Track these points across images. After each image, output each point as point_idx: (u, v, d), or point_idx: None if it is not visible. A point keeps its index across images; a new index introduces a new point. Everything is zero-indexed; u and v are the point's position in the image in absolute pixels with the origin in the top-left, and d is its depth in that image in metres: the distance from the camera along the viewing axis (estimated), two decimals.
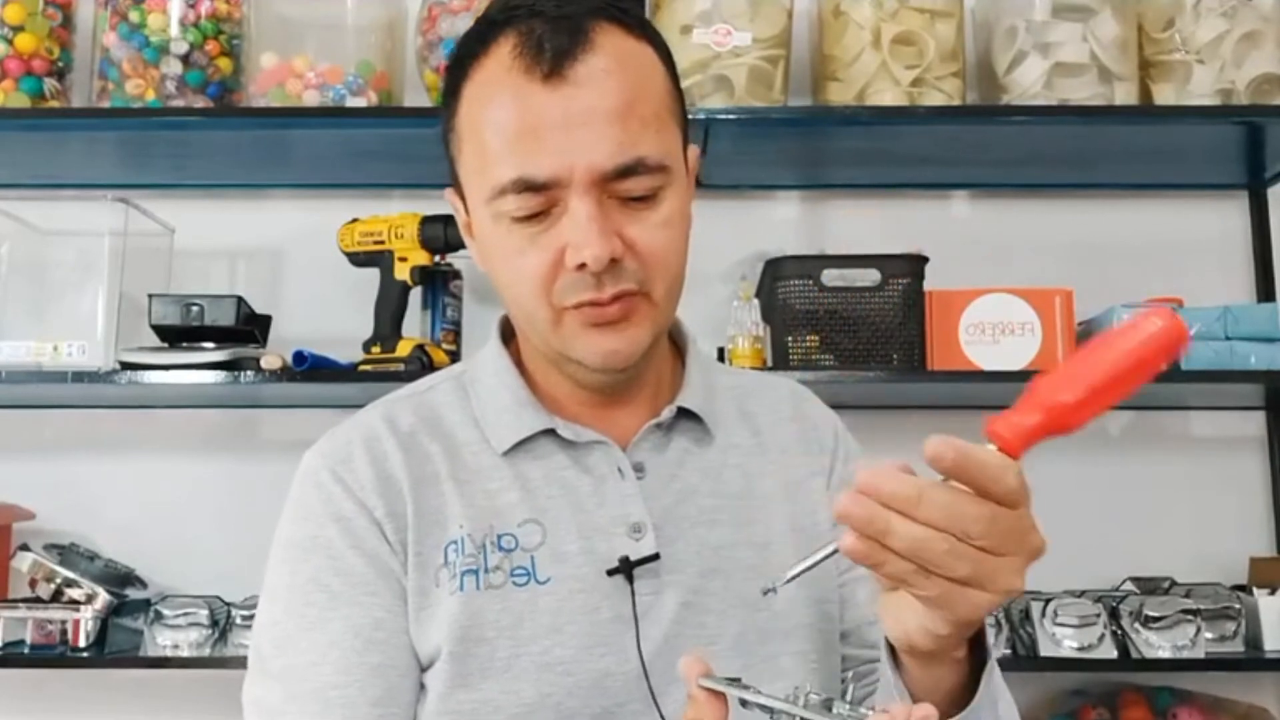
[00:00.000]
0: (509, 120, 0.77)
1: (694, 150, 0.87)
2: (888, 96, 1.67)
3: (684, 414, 0.88)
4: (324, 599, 0.80)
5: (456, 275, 1.79)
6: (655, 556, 0.81)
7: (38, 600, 1.66)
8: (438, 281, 1.76)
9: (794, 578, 0.66)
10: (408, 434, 0.86)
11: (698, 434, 0.89)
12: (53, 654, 1.62)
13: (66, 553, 1.68)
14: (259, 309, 1.71)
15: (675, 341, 0.95)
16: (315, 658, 0.79)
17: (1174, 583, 1.70)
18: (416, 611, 0.80)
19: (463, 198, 0.85)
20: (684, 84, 0.88)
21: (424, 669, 0.81)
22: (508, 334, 0.92)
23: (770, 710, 0.63)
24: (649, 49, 0.82)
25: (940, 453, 0.59)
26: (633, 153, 0.76)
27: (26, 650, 1.62)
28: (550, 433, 0.85)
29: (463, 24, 1.69)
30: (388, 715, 0.78)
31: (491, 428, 0.86)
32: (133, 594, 1.71)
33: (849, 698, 0.63)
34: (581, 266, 0.76)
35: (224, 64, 1.73)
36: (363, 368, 1.65)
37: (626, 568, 0.80)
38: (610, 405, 0.87)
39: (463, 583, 0.80)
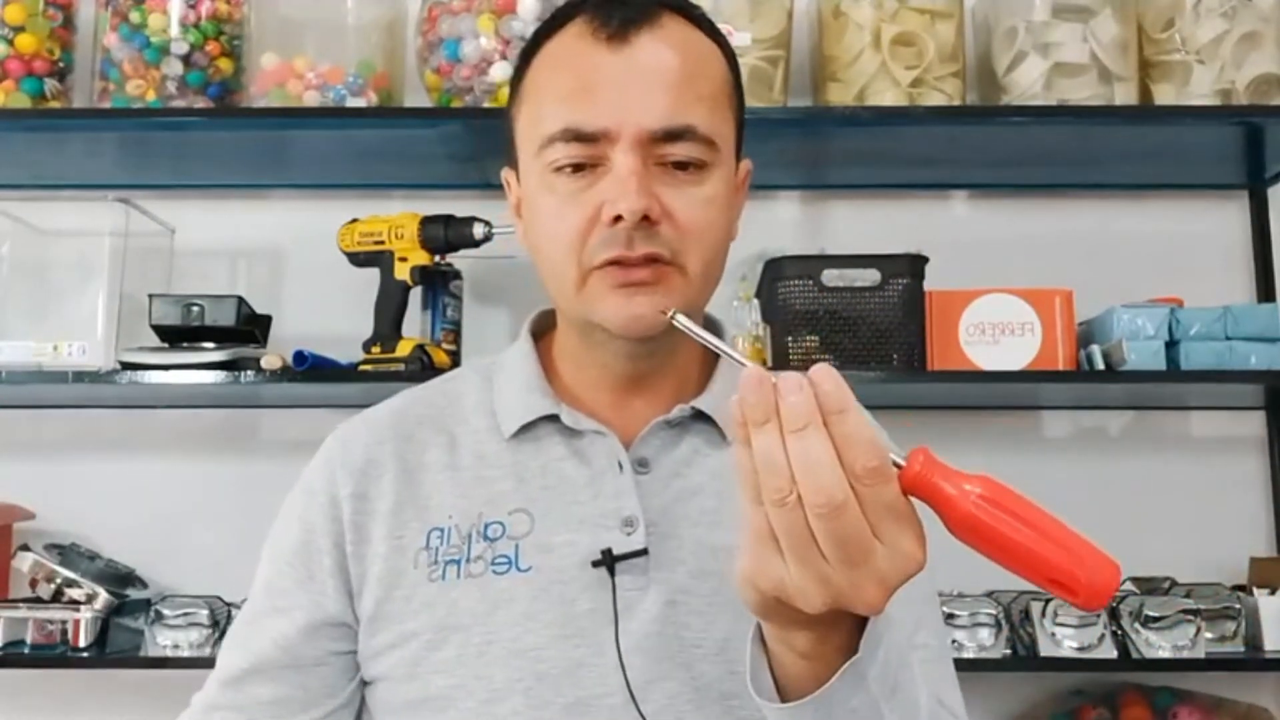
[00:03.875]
0: (569, 77, 0.80)
1: (746, 163, 0.89)
2: (888, 97, 1.67)
3: (702, 416, 0.87)
4: (267, 552, 0.89)
5: (457, 275, 1.78)
6: (642, 552, 0.81)
7: (38, 600, 1.66)
8: (438, 281, 1.76)
9: (683, 326, 0.67)
10: (414, 423, 0.89)
11: (712, 436, 0.88)
12: (53, 654, 1.62)
13: (67, 553, 1.68)
14: (259, 309, 1.71)
15: None
16: (248, 599, 0.89)
17: (1174, 583, 1.69)
18: (388, 591, 0.83)
19: (518, 176, 0.87)
20: None
21: (378, 653, 0.83)
22: (539, 331, 0.93)
23: None
24: (715, 46, 0.85)
25: (827, 377, 0.55)
26: (684, 118, 0.78)
27: (26, 650, 1.62)
28: (555, 421, 0.86)
29: (463, 24, 1.69)
30: (260, 665, 0.84)
31: (501, 412, 0.88)
32: (133, 594, 1.71)
33: None
34: (617, 219, 0.77)
35: (225, 64, 1.73)
36: (363, 368, 1.65)
37: (609, 560, 0.80)
38: (629, 397, 0.87)
39: (444, 571, 0.82)
